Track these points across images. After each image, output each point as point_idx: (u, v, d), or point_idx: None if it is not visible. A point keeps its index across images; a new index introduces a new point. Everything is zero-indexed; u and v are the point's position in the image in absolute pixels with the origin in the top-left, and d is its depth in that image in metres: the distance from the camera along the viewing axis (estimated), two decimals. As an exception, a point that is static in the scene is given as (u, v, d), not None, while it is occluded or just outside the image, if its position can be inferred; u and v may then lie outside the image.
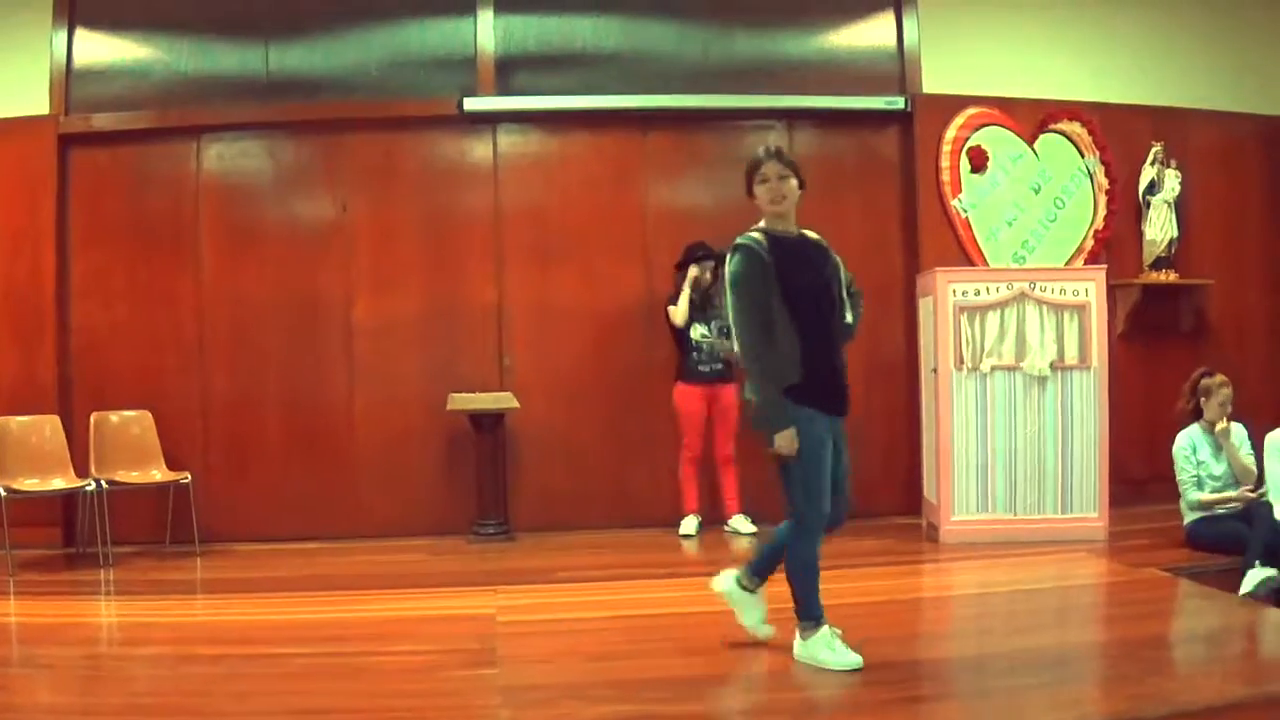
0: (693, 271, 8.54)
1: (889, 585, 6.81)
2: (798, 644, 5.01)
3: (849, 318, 5.04)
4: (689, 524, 8.61)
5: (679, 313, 8.53)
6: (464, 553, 8.26)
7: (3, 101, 8.67)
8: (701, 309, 8.59)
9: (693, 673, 4.99)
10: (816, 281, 4.94)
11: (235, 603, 6.85)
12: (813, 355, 4.85)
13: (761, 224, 5.05)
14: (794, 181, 4.97)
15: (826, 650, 4.88)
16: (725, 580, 5.36)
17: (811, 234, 5.12)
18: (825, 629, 4.93)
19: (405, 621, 6.25)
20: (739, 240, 4.98)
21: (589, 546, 8.35)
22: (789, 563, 5.00)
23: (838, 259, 5.09)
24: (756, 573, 5.26)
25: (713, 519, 8.70)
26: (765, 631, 5.27)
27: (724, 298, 5.12)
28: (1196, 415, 7.50)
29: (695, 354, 8.56)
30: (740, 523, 8.59)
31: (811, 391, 4.85)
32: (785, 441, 4.78)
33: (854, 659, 4.83)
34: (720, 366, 8.58)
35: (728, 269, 4.96)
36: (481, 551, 8.28)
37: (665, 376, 8.80)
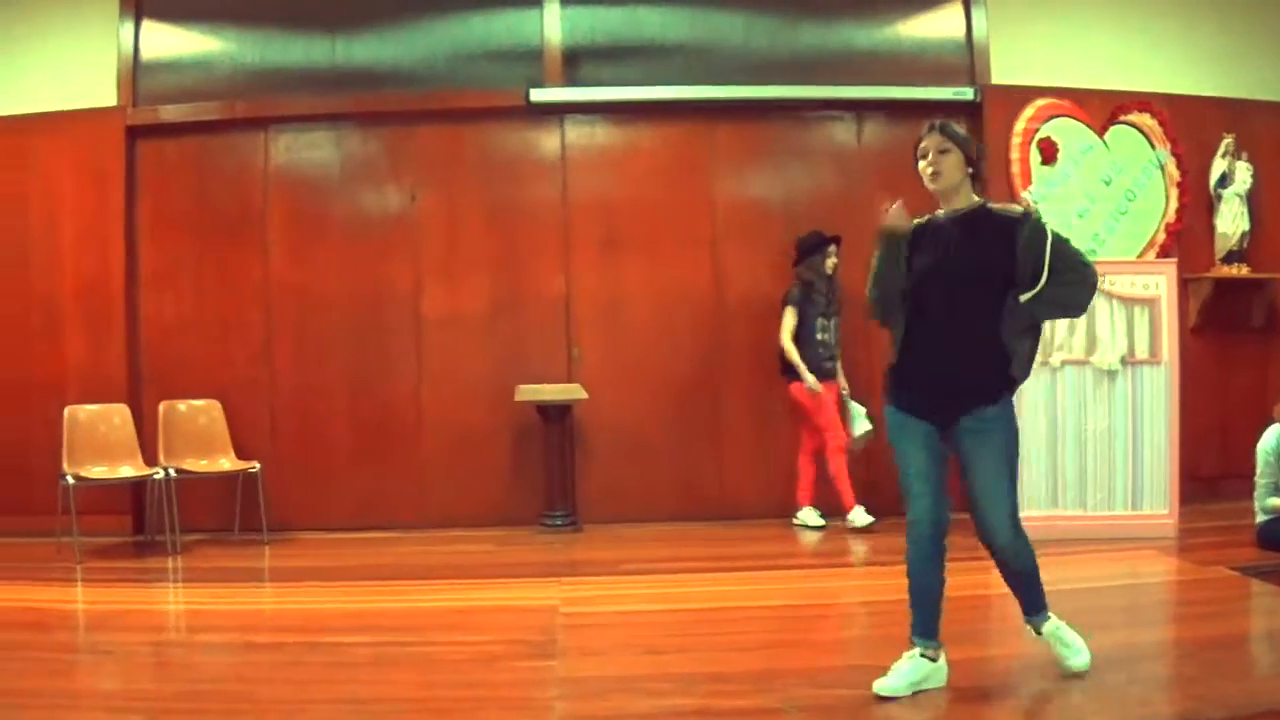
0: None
1: (954, 581, 6.73)
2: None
3: (1023, 296, 4.42)
4: (812, 515, 8.58)
5: None
6: (531, 544, 8.27)
7: (71, 93, 8.74)
8: (826, 305, 8.52)
9: (750, 667, 4.95)
10: (943, 264, 4.52)
11: (301, 591, 6.92)
12: (909, 351, 4.59)
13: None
14: (955, 156, 4.52)
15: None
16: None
17: (1003, 207, 4.67)
18: (916, 651, 4.63)
19: (468, 612, 6.28)
20: None
21: (655, 539, 8.34)
22: None
23: (1037, 230, 4.44)
24: (1034, 610, 4.81)
25: (782, 511, 8.71)
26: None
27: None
28: None
29: (821, 349, 8.50)
30: (809, 515, 8.56)
31: (896, 390, 4.65)
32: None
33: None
34: (834, 363, 8.62)
35: None
36: (548, 543, 8.29)
37: (735, 369, 8.98)
